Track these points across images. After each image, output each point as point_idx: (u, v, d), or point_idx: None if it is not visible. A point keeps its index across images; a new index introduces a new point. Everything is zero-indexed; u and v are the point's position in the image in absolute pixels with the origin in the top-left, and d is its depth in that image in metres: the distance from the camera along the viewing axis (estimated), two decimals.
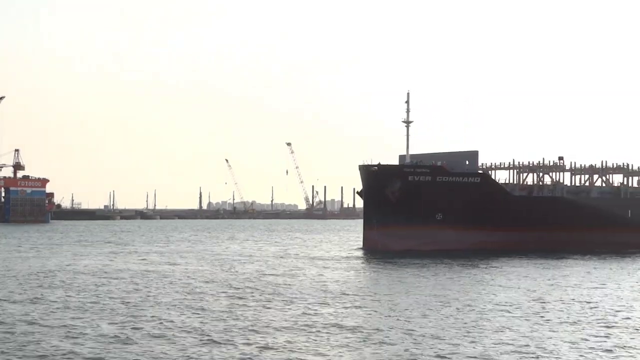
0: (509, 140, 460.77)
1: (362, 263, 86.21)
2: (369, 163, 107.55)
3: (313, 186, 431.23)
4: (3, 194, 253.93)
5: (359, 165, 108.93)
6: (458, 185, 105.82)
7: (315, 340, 35.77)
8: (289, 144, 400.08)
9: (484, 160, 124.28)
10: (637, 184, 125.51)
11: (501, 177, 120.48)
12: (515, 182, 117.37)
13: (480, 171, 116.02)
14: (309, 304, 48.13)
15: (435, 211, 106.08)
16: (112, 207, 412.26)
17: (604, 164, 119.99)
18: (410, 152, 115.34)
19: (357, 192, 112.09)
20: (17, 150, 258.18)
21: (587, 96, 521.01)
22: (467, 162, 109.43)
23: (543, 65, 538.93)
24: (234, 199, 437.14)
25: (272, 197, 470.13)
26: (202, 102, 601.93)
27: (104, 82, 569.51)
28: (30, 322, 40.50)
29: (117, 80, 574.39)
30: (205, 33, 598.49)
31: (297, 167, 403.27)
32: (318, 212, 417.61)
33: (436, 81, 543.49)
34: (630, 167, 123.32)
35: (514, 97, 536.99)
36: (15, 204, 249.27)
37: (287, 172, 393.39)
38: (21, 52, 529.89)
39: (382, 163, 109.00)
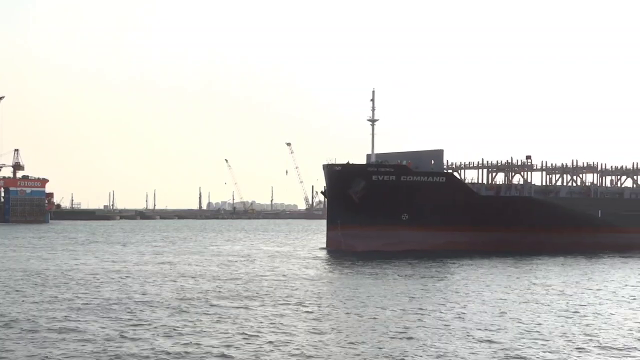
0: (480, 139, 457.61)
1: (318, 262, 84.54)
2: (333, 162, 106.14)
3: (313, 186, 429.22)
4: (3, 194, 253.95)
5: (323, 165, 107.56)
6: (423, 185, 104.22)
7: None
8: (288, 144, 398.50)
9: (453, 159, 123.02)
10: (610, 184, 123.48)
11: (471, 176, 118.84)
12: (482, 182, 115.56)
13: (447, 170, 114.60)
14: (245, 304, 47.52)
15: (400, 211, 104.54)
16: (111, 207, 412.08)
17: (574, 164, 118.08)
18: (388, 151, 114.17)
19: (322, 192, 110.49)
20: (16, 150, 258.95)
21: (559, 95, 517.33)
22: (432, 162, 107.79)
23: (512, 64, 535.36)
24: (233, 199, 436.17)
25: (272, 197, 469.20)
26: (202, 102, 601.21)
27: (104, 82, 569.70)
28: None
29: (117, 80, 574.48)
30: (205, 33, 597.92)
31: (297, 167, 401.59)
32: (318, 212, 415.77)
33: (402, 79, 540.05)
34: (604, 167, 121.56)
35: (485, 95, 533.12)
36: (15, 204, 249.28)
37: (286, 172, 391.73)
38: (21, 52, 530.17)
39: (351, 162, 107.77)
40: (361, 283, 61.46)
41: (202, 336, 36.68)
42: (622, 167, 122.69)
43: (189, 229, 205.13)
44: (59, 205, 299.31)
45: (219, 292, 54.84)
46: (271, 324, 40.50)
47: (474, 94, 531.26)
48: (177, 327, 39.24)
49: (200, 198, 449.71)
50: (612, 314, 45.85)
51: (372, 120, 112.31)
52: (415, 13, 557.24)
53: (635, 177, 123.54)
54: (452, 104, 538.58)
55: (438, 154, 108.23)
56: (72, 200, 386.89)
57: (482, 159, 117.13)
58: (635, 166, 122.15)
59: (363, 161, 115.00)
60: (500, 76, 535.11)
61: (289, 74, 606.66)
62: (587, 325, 41.36)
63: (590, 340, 36.97)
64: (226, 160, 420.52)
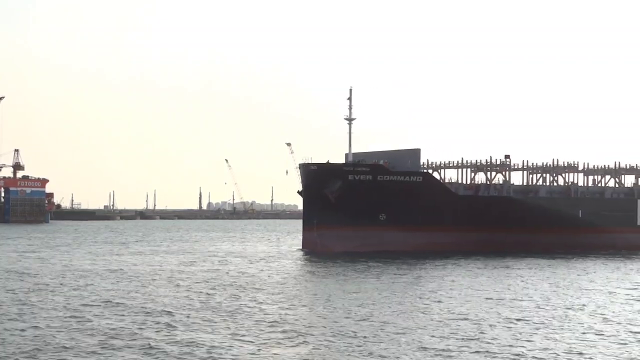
0: (463, 138, 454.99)
1: (287, 264, 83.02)
2: (309, 162, 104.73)
3: None
4: (3, 194, 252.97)
5: (299, 164, 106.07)
6: (400, 184, 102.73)
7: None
8: (289, 144, 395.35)
9: (435, 158, 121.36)
10: (593, 183, 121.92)
11: (452, 176, 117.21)
12: (461, 182, 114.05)
13: (424, 170, 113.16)
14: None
15: (377, 211, 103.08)
16: (112, 208, 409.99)
17: (555, 163, 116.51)
18: (367, 150, 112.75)
19: (298, 192, 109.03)
20: (16, 151, 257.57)
21: (540, 94, 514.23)
22: (409, 161, 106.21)
23: (493, 63, 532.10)
24: (233, 199, 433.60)
25: (272, 198, 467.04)
26: (202, 102, 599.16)
27: (104, 82, 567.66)
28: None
29: (117, 80, 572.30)
30: (205, 33, 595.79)
31: (297, 168, 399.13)
32: None
33: (380, 78, 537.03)
34: (586, 166, 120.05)
35: (470, 95, 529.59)
36: (15, 204, 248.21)
37: (287, 172, 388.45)
38: (21, 52, 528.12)
39: (330, 161, 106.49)
40: (325, 286, 60.16)
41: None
42: (604, 166, 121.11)
43: (180, 230, 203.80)
44: (59, 206, 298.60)
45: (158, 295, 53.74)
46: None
47: (465, 94, 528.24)
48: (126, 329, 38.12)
49: (200, 198, 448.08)
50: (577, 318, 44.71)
51: (349, 119, 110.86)
52: (400, 12, 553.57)
53: (617, 177, 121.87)
54: (441, 104, 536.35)
55: (415, 153, 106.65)
56: (72, 201, 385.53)
57: (462, 159, 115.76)
58: (617, 166, 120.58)
59: (342, 160, 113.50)
60: (483, 76, 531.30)
61: (289, 74, 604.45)
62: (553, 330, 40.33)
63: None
64: (226, 160, 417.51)
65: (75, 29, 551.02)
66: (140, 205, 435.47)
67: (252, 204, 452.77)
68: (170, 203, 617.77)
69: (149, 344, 34.48)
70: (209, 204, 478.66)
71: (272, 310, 45.62)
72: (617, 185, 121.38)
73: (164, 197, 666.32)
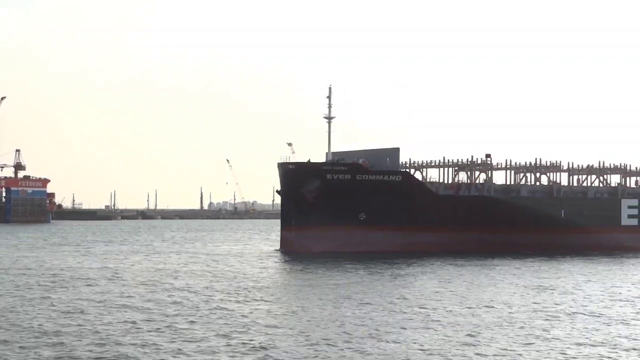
0: (449, 138, 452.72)
1: (261, 264, 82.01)
2: (286, 161, 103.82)
3: None
4: (4, 194, 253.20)
5: (277, 163, 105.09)
6: (379, 184, 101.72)
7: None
8: (290, 144, 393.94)
9: (417, 158, 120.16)
10: (577, 183, 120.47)
11: (434, 175, 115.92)
12: (442, 181, 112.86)
13: (406, 169, 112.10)
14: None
15: (357, 211, 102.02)
16: (113, 207, 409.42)
17: (538, 162, 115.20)
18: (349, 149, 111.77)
19: (276, 191, 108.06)
20: (18, 151, 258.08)
21: (525, 94, 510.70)
22: (388, 160, 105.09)
23: (476, 62, 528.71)
24: (234, 199, 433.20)
25: (273, 197, 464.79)
26: (202, 102, 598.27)
27: (104, 81, 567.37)
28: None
29: (117, 80, 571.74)
30: (205, 33, 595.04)
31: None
32: None
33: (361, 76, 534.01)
34: (571, 166, 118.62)
35: (454, 93, 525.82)
36: (17, 204, 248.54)
37: None
38: (21, 52, 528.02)
39: (312, 161, 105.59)
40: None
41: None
42: (589, 165, 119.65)
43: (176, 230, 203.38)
44: (60, 206, 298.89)
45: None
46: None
47: (453, 93, 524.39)
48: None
49: (201, 198, 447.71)
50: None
51: (329, 118, 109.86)
52: (373, 7, 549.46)
53: (602, 177, 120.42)
54: (429, 103, 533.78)
55: (394, 152, 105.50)
56: (74, 201, 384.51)
57: (444, 158, 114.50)
58: (602, 165, 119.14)
59: (323, 159, 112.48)
60: (468, 75, 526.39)
61: (289, 74, 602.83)
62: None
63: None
64: (227, 160, 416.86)
65: (76, 28, 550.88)
66: (141, 205, 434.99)
67: (253, 204, 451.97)
68: (171, 203, 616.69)
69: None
70: (210, 204, 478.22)
71: (231, 315, 44.32)
72: (601, 185, 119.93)
73: (165, 197, 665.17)
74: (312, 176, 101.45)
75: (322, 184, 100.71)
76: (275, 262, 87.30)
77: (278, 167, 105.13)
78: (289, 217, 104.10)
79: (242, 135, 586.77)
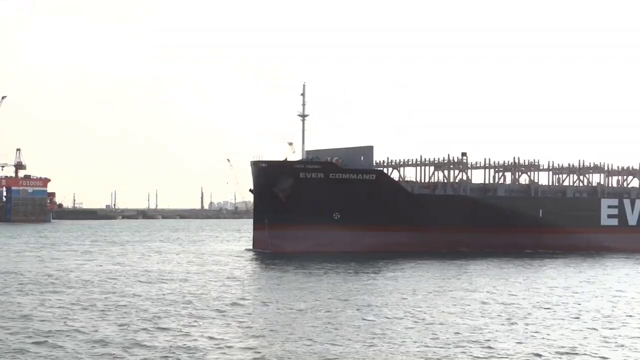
0: (431, 137, 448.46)
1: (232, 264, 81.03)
2: (259, 159, 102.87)
3: None
4: (5, 194, 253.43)
5: (250, 162, 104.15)
6: (353, 182, 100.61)
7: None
8: (290, 144, 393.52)
9: (395, 156, 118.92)
10: (558, 182, 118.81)
11: (411, 174, 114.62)
12: (417, 180, 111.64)
13: (382, 167, 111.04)
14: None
15: (331, 210, 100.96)
16: (113, 207, 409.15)
17: (516, 161, 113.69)
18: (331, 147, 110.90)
19: (250, 190, 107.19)
20: (18, 150, 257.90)
21: (505, 93, 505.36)
22: (361, 158, 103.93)
23: (454, 61, 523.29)
24: (235, 199, 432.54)
25: None
26: (202, 101, 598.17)
27: (104, 81, 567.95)
28: None
29: (118, 79, 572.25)
30: (205, 33, 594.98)
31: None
32: None
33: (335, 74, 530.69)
34: (551, 165, 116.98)
35: (439, 92, 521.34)
36: (17, 204, 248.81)
37: None
38: (22, 52, 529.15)
39: (288, 159, 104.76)
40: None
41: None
42: (569, 165, 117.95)
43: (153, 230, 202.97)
44: (60, 205, 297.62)
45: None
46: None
47: (447, 92, 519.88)
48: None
49: (202, 197, 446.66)
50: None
51: (303, 116, 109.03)
52: (363, 11, 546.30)
53: (582, 176, 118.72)
54: (415, 102, 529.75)
55: (367, 150, 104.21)
56: (74, 200, 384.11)
57: (421, 156, 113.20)
58: (582, 164, 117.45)
59: (299, 158, 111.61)
60: (448, 74, 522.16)
61: (289, 74, 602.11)
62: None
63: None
64: (228, 159, 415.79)
65: (76, 28, 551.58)
66: (142, 205, 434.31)
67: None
68: (172, 203, 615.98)
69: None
70: (211, 203, 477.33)
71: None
72: (580, 184, 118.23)
73: (165, 196, 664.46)
74: (285, 175, 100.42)
75: (295, 182, 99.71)
76: (244, 262, 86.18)
77: (251, 165, 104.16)
78: (262, 216, 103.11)
79: (242, 135, 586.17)
